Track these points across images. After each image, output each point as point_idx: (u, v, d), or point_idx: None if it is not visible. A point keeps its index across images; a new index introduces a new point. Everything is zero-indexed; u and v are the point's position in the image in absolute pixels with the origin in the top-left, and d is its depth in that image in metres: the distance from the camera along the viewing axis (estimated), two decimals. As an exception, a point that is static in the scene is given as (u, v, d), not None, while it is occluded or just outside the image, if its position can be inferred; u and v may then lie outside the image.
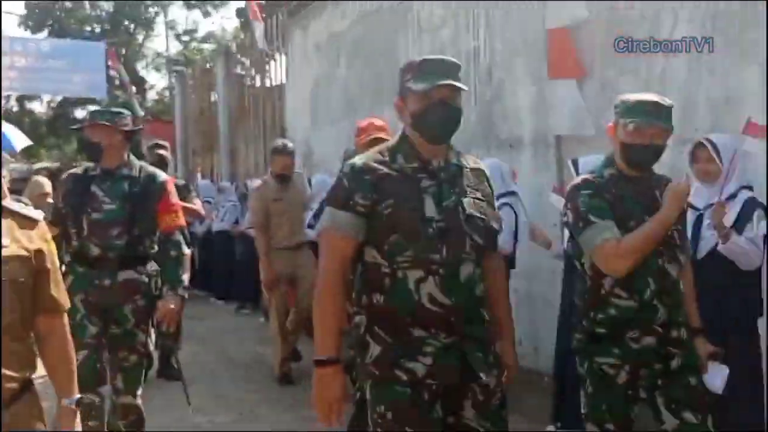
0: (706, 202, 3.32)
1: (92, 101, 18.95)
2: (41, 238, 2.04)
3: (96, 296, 3.45)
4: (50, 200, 5.13)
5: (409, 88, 2.22)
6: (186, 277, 3.60)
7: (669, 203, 2.46)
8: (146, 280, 3.54)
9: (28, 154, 18.52)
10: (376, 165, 2.22)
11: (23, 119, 22.79)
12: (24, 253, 1.96)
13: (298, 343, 5.86)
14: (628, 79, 4.56)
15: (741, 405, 3.14)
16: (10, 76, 14.63)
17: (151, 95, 23.84)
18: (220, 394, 5.30)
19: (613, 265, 2.43)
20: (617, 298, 2.49)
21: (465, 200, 2.22)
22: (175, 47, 22.14)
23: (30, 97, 24.04)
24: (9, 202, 2.10)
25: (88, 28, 23.20)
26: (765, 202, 3.28)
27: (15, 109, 24.40)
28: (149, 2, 23.09)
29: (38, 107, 25.90)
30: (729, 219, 3.13)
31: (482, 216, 2.24)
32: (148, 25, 23.44)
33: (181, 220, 3.67)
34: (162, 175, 3.68)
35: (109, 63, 16.29)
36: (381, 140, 3.29)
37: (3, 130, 7.85)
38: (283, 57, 10.13)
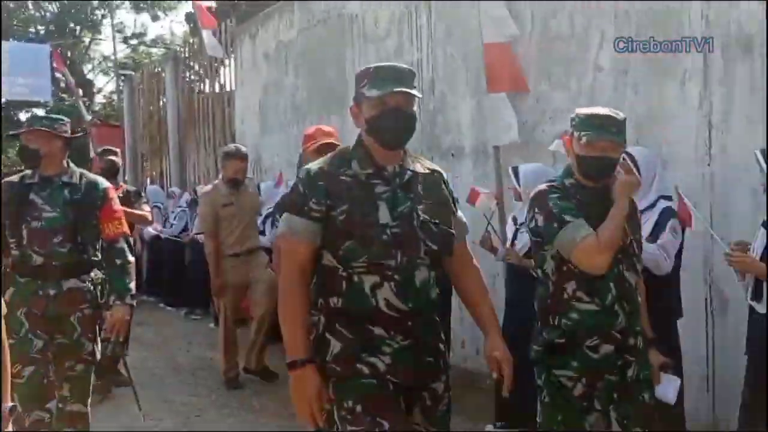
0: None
1: (37, 104, 18.57)
2: None
3: (41, 307, 3.39)
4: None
5: (364, 94, 2.23)
6: (133, 285, 3.57)
7: (619, 194, 2.57)
8: (91, 288, 3.49)
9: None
10: (330, 170, 2.23)
11: (-36, 123, 22.13)
12: None
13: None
14: (560, 94, 4.81)
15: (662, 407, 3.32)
16: (-52, 77, 14.24)
17: (99, 99, 23.38)
18: (168, 399, 5.31)
19: (597, 261, 2.51)
20: (579, 302, 2.57)
21: (419, 206, 2.24)
22: (123, 51, 21.81)
23: (-29, 99, 23.39)
24: None
25: (32, 30, 22.66)
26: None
27: (-45, 112, 23.71)
28: (96, 3, 22.65)
29: (-20, 110, 25.21)
30: (646, 229, 3.33)
31: (436, 221, 2.27)
32: (94, 27, 22.96)
33: (125, 227, 3.63)
34: (104, 183, 3.62)
35: (55, 65, 15.98)
36: (331, 145, 3.31)
37: None
38: (232, 63, 10.18)
